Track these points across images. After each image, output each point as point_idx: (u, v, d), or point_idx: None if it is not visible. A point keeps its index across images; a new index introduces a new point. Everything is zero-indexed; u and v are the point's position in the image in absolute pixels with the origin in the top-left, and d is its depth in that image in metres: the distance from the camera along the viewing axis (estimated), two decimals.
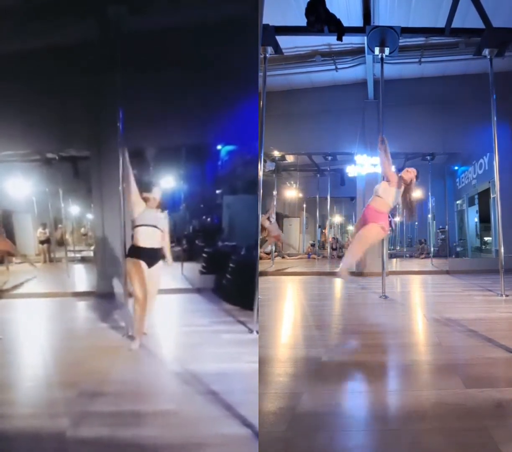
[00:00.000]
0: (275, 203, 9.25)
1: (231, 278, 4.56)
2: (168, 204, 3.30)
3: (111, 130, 3.44)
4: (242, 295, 3.48)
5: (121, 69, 3.41)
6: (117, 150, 3.26)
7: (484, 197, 8.36)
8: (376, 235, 3.80)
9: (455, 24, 4.67)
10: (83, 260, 6.25)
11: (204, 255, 5.44)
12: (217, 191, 5.63)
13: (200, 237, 5.69)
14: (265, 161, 8.51)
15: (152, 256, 3.07)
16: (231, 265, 4.66)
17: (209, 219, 5.74)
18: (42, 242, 6.31)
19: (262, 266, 7.70)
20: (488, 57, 4.73)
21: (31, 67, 4.17)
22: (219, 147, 5.27)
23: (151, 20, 3.90)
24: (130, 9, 3.54)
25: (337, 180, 9.47)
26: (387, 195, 3.77)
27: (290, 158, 9.36)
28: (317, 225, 10.40)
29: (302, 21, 4.29)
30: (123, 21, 3.56)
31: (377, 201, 3.78)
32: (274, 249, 8.79)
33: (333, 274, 7.15)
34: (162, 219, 3.16)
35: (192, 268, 5.37)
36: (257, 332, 3.22)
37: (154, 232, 3.08)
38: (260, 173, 4.31)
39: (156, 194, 3.20)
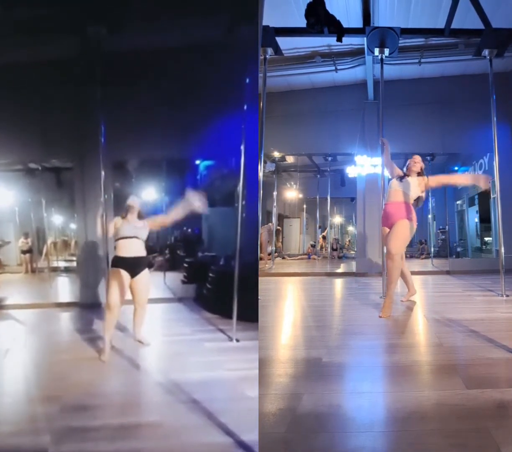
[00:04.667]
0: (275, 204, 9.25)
1: (212, 288, 4.58)
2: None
3: (94, 141, 3.50)
4: (222, 304, 3.53)
5: (114, 72, 3.43)
6: (100, 162, 3.32)
7: (484, 197, 8.37)
8: (408, 231, 3.64)
9: (455, 24, 4.68)
10: (66, 270, 6.05)
11: (185, 265, 5.41)
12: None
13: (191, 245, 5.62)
14: (265, 162, 8.52)
15: (135, 264, 3.12)
16: (211, 274, 4.67)
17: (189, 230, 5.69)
18: (24, 252, 6.07)
19: (262, 267, 7.70)
20: (488, 57, 4.73)
21: (14, 79, 4.17)
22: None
23: (147, 21, 3.90)
24: (121, 15, 3.55)
25: (337, 180, 9.49)
26: (409, 189, 3.85)
27: (290, 159, 9.38)
28: (317, 225, 10.41)
29: (302, 22, 4.30)
30: (108, 33, 3.59)
31: (398, 194, 3.80)
32: (274, 250, 8.79)
33: (333, 274, 7.16)
34: (141, 228, 3.20)
35: (175, 277, 5.33)
36: (237, 340, 3.26)
37: (135, 242, 3.13)
38: (260, 174, 4.31)
39: (135, 202, 3.23)
